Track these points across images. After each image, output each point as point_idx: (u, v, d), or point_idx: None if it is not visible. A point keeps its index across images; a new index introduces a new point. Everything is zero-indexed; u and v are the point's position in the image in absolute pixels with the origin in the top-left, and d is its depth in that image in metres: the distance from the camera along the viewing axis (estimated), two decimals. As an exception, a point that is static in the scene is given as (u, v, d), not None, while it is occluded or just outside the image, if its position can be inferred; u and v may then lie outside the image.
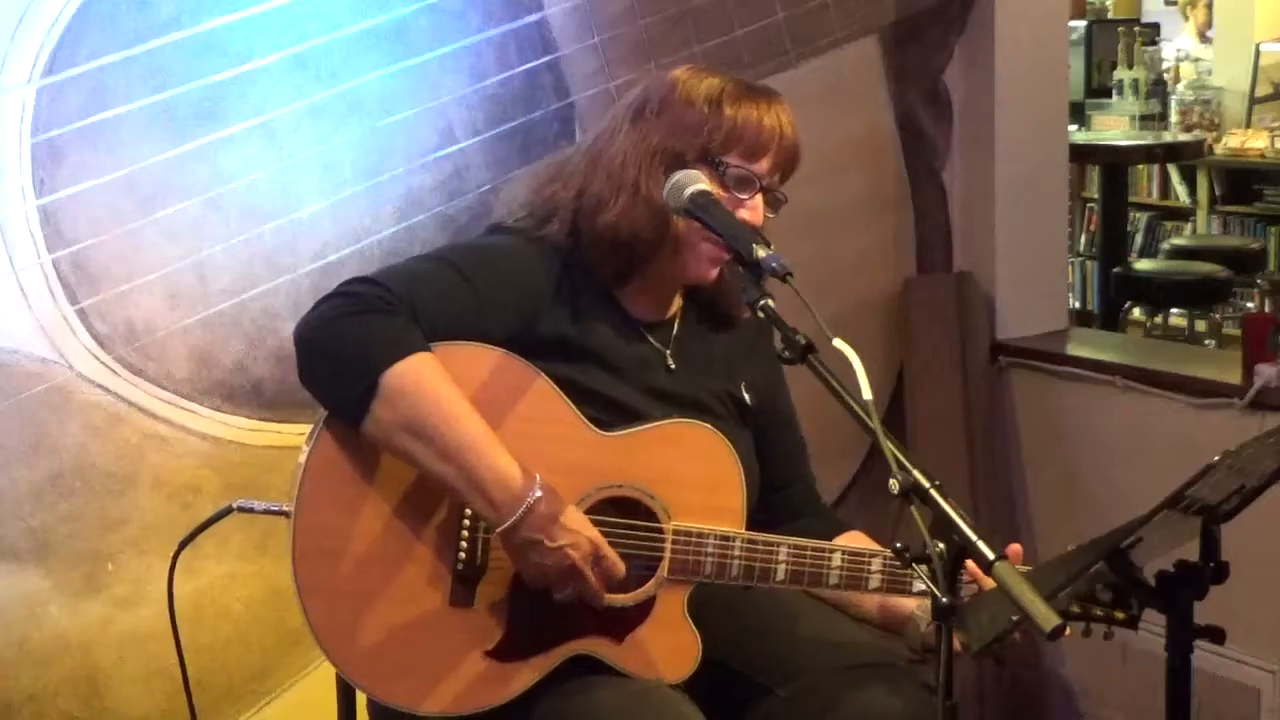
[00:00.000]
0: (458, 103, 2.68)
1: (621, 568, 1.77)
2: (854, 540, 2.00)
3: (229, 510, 2.01)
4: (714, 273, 1.88)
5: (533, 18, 2.75)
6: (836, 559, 1.85)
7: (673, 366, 1.94)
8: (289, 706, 2.59)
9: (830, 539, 1.95)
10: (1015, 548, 1.83)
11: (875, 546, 1.95)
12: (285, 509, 1.77)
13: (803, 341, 1.64)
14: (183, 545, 2.03)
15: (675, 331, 1.97)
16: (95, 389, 2.39)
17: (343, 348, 1.75)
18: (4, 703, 2.35)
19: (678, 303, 1.99)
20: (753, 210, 1.86)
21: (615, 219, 1.84)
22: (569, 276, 1.89)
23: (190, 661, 2.17)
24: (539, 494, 1.71)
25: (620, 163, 1.86)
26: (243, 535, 2.49)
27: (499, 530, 1.72)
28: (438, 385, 1.73)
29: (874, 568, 1.85)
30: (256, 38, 2.47)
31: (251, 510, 2.00)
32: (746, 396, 2.00)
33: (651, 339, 1.95)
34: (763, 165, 1.87)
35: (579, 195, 1.88)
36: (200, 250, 2.46)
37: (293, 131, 2.52)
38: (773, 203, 1.90)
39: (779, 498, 2.02)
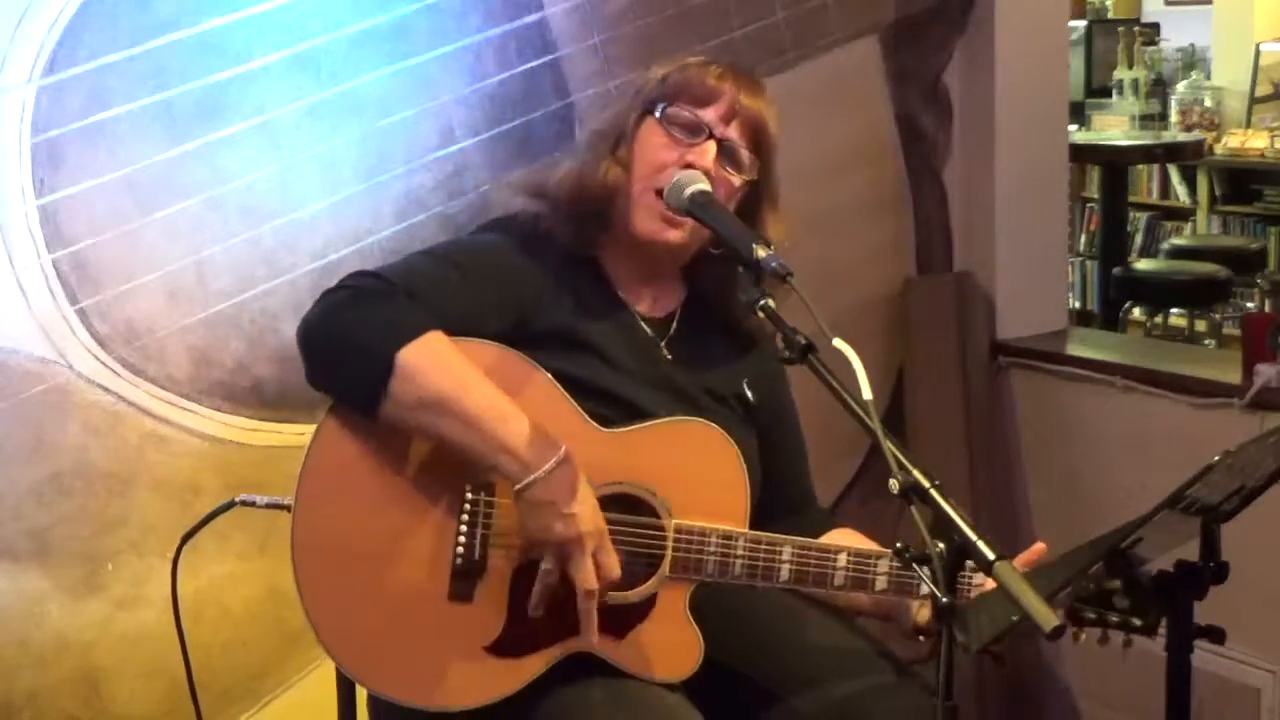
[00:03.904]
0: (458, 103, 2.68)
1: (617, 569, 1.76)
2: (844, 537, 2.00)
3: (231, 504, 2.02)
4: (669, 233, 1.88)
5: (533, 18, 2.75)
6: (842, 560, 1.85)
7: (669, 357, 1.95)
8: (289, 706, 2.59)
9: (817, 536, 1.95)
10: (1040, 546, 1.86)
11: (869, 544, 1.95)
12: (286, 503, 1.77)
13: (803, 341, 1.64)
14: (185, 538, 2.04)
15: (674, 328, 1.98)
16: (95, 389, 2.38)
17: (352, 335, 1.75)
18: (4, 703, 2.35)
19: (678, 299, 2.00)
20: (700, 154, 1.87)
21: (566, 173, 1.92)
22: (567, 270, 1.90)
23: (190, 661, 2.17)
24: (564, 455, 1.72)
25: (584, 136, 1.99)
26: (243, 535, 2.49)
27: (519, 486, 1.71)
28: (453, 358, 1.74)
29: (880, 569, 1.85)
30: (256, 38, 2.47)
31: (254, 504, 2.01)
32: (750, 394, 2.01)
33: (649, 331, 1.96)
34: (709, 113, 1.89)
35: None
36: (200, 250, 2.46)
37: (293, 131, 2.52)
38: (728, 155, 1.90)
39: (774, 495, 2.01)
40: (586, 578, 1.74)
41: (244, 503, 2.01)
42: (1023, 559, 1.85)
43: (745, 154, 1.90)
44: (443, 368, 1.73)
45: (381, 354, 1.72)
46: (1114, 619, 1.77)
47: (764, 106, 1.93)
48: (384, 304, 1.76)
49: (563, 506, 1.71)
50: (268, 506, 1.99)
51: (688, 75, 1.91)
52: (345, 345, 1.76)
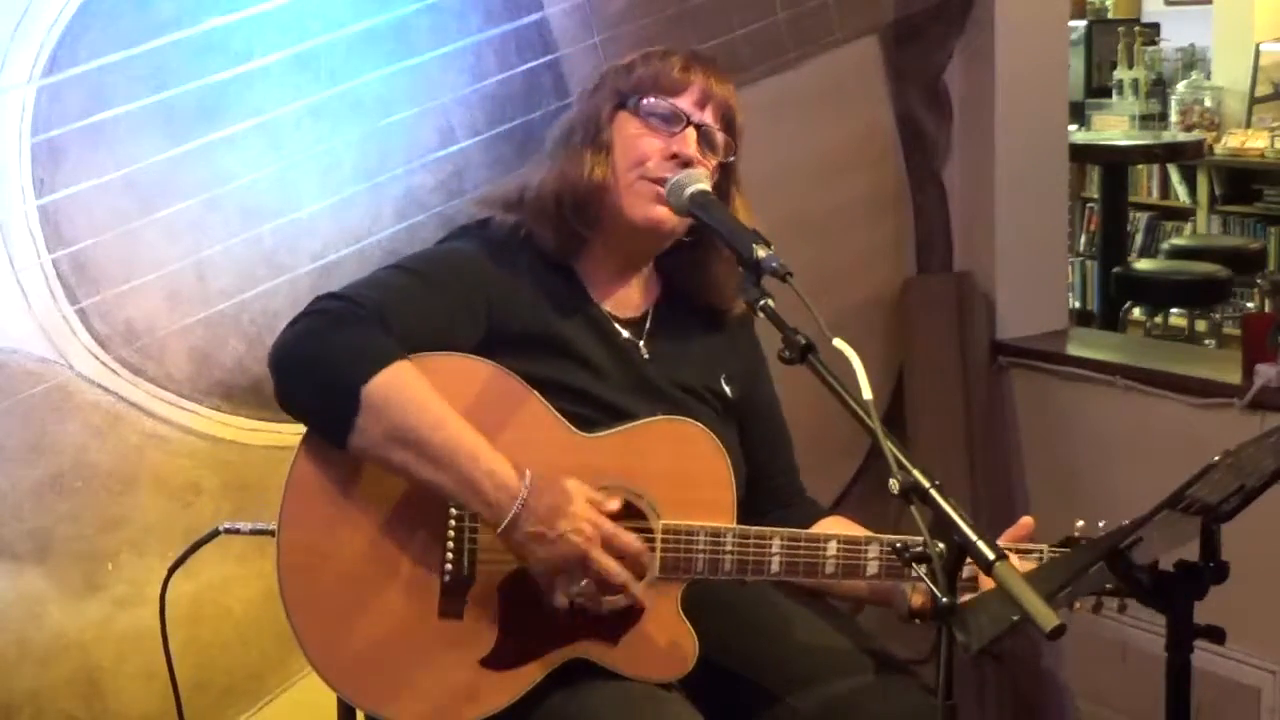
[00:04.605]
0: (458, 103, 2.68)
1: (638, 544, 1.75)
2: (836, 525, 2.00)
3: (216, 533, 2.02)
4: (663, 211, 1.87)
5: (533, 18, 2.75)
6: (832, 548, 1.84)
7: (646, 356, 1.95)
8: (288, 707, 2.59)
9: (808, 526, 1.94)
10: (1027, 520, 1.86)
11: (861, 530, 1.95)
12: (271, 529, 1.77)
13: (803, 341, 1.64)
14: (173, 569, 2.05)
15: (649, 325, 1.98)
16: (95, 389, 2.38)
17: (319, 366, 1.74)
18: (4, 703, 2.35)
19: (650, 297, 2.00)
20: (683, 143, 1.88)
21: (545, 177, 1.91)
22: (541, 276, 1.90)
23: (190, 662, 2.17)
24: (529, 488, 1.71)
25: (554, 140, 1.95)
26: (243, 536, 2.48)
27: (499, 530, 1.71)
28: (420, 393, 1.73)
29: (870, 554, 1.84)
30: (256, 38, 2.47)
31: (238, 531, 2.01)
32: (727, 389, 2.00)
33: (625, 332, 1.95)
34: (684, 101, 1.90)
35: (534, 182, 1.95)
36: (200, 250, 2.46)
37: (293, 131, 2.52)
38: (706, 139, 1.91)
39: (760, 489, 2.01)
40: (617, 579, 1.74)
41: (228, 530, 2.01)
42: (1010, 534, 1.87)
43: (721, 136, 1.92)
44: (410, 402, 1.72)
45: (348, 388, 1.71)
46: (1107, 585, 1.78)
47: (731, 91, 1.95)
48: (352, 330, 1.75)
49: (549, 532, 1.71)
50: (252, 533, 2.00)
51: (654, 68, 1.92)
52: (312, 377, 1.75)
